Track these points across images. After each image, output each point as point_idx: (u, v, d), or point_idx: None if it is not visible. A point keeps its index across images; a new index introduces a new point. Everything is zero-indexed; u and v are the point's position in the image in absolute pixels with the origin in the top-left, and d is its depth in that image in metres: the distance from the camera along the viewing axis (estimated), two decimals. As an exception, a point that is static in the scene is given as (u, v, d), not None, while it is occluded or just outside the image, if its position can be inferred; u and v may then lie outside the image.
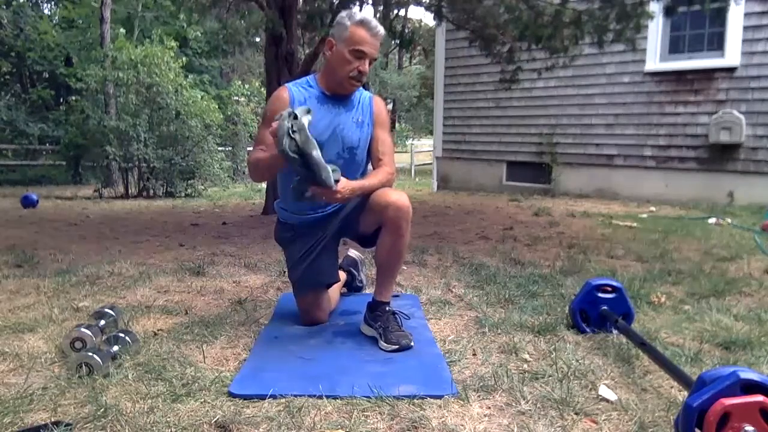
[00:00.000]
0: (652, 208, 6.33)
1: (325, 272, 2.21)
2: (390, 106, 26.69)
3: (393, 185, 2.11)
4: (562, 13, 4.65)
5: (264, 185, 8.79)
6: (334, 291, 2.39)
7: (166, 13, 17.07)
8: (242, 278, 3.01)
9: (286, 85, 2.13)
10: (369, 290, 2.75)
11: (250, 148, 15.01)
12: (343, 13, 2.06)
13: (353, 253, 2.77)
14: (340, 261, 2.54)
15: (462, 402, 1.54)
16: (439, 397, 1.56)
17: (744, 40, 6.29)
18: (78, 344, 1.85)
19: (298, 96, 2.07)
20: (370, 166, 2.21)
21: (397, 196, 1.96)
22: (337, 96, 2.10)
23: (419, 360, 1.84)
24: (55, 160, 13.63)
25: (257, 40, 8.47)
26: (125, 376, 1.69)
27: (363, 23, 1.99)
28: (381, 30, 2.02)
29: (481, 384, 1.64)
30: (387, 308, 2.06)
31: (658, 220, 5.32)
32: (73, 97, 11.54)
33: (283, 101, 2.05)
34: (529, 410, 1.50)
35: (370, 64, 2.03)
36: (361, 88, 2.22)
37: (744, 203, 6.27)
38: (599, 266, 3.25)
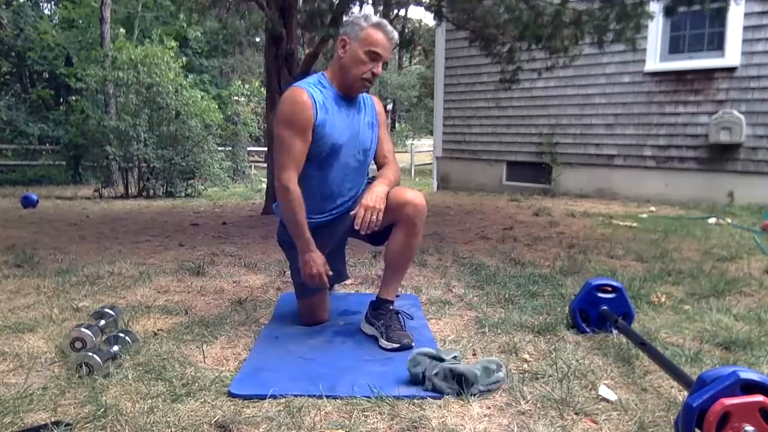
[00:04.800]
0: (652, 208, 6.33)
1: (337, 271, 2.20)
2: (390, 106, 26.70)
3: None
4: (562, 13, 4.65)
5: (264, 185, 8.78)
6: None
7: (166, 13, 17.07)
8: (242, 278, 3.01)
9: (301, 87, 1.99)
10: (369, 290, 2.75)
11: (251, 148, 15.05)
12: (359, 14, 2.08)
13: None
14: None
15: (462, 402, 1.54)
16: (439, 397, 1.56)
17: (744, 40, 6.29)
18: (78, 344, 1.85)
19: (318, 98, 1.98)
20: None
21: (414, 195, 1.97)
22: (348, 97, 2.08)
23: (419, 360, 1.84)
24: (55, 160, 13.62)
25: (257, 40, 8.46)
26: (125, 376, 1.69)
27: (380, 26, 1.99)
28: (396, 35, 2.03)
29: (481, 384, 1.64)
30: (391, 307, 2.06)
31: (658, 220, 5.32)
32: (73, 97, 11.53)
33: (307, 107, 1.94)
34: (529, 410, 1.50)
35: (381, 67, 2.04)
36: None
37: (744, 203, 6.26)
38: (599, 266, 3.25)
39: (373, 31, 1.98)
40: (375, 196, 1.92)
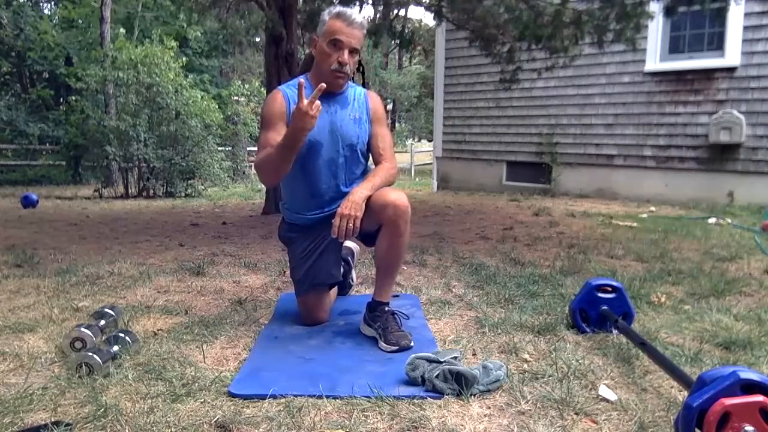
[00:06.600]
0: (652, 208, 6.33)
1: (327, 271, 2.20)
2: (390, 106, 26.70)
3: (395, 180, 2.12)
4: (562, 13, 4.66)
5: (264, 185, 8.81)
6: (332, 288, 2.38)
7: (166, 13, 17.09)
8: (242, 278, 3.01)
9: (278, 89, 2.13)
10: (369, 291, 2.75)
11: (251, 148, 15.16)
12: (324, 11, 2.08)
13: (350, 243, 2.74)
14: None
15: (462, 402, 1.54)
16: (439, 397, 1.56)
17: (744, 40, 6.29)
18: (78, 344, 1.85)
19: (292, 97, 2.07)
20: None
21: (396, 196, 1.96)
22: (331, 94, 2.09)
23: (419, 360, 1.84)
24: (55, 160, 13.64)
25: (257, 40, 8.47)
26: (125, 376, 1.69)
27: (339, 15, 2.01)
28: (357, 19, 2.02)
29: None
30: (386, 308, 2.06)
31: (658, 220, 5.32)
32: (73, 97, 11.53)
33: (279, 104, 2.06)
34: (529, 410, 1.50)
35: (351, 54, 2.02)
36: (355, 84, 2.22)
37: (744, 203, 6.26)
38: (599, 266, 3.25)
39: (332, 21, 2.01)
40: (350, 204, 1.92)
